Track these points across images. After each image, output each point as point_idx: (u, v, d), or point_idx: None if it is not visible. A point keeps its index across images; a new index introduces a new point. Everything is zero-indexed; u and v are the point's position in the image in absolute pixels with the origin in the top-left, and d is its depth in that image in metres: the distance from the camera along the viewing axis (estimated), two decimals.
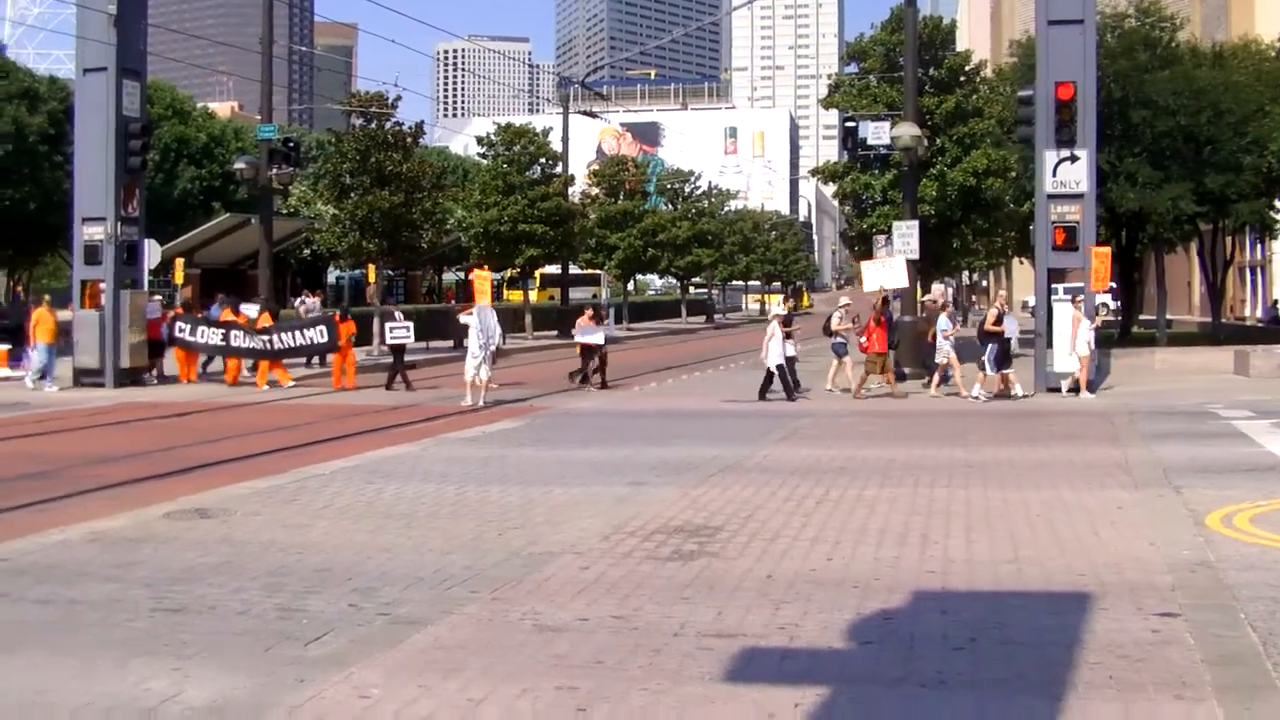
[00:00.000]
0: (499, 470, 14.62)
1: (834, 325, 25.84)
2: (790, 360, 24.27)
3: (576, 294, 72.87)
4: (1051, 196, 24.24)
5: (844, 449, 16.29)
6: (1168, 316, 35.30)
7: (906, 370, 27.70)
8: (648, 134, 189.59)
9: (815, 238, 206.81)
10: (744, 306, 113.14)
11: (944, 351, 24.31)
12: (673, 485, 13.22)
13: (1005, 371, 23.16)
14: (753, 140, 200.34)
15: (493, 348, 24.00)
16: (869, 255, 34.55)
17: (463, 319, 24.78)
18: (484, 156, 52.96)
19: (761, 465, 14.81)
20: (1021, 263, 61.30)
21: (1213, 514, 11.06)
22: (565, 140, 54.26)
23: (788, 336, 24.31)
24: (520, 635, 7.50)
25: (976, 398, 23.13)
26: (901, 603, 8.15)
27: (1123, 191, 30.47)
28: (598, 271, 70.78)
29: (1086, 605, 7.99)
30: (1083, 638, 7.29)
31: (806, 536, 10.35)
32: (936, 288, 28.87)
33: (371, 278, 39.80)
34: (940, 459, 15.19)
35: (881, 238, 31.18)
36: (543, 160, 51.75)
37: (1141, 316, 51.05)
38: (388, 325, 27.56)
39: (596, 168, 70.91)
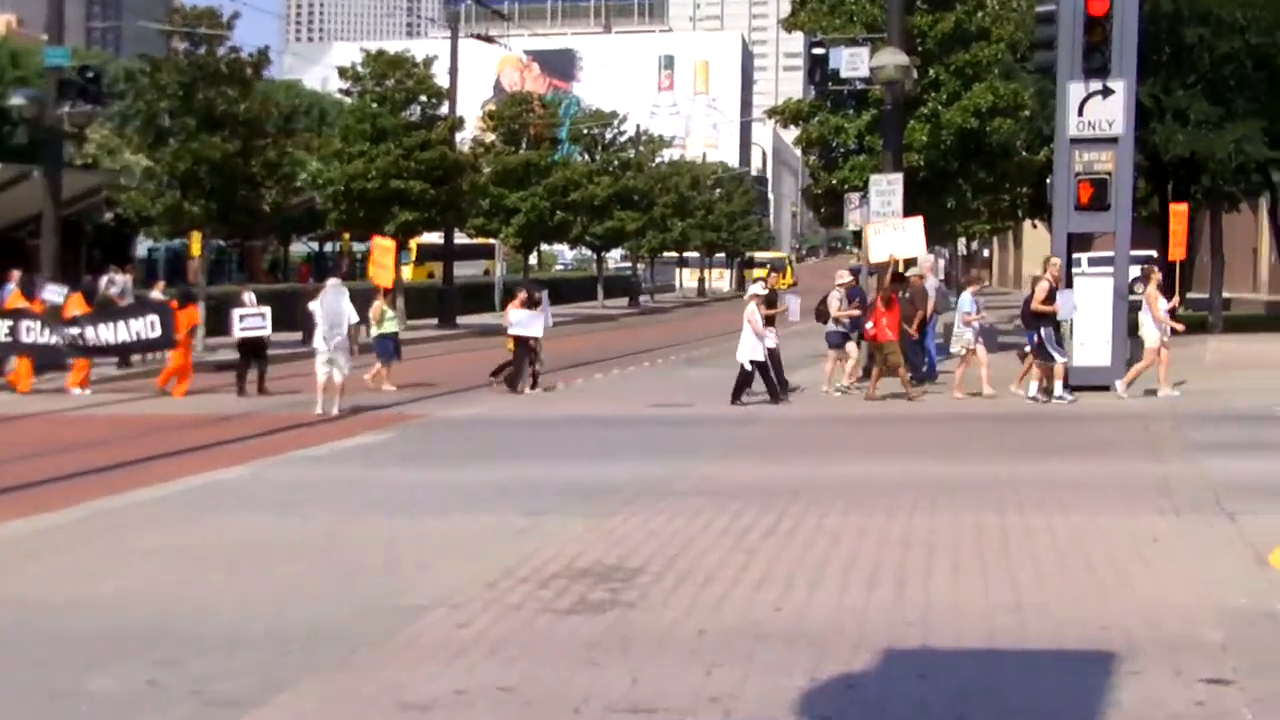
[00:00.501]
0: (356, 497, 14.48)
1: (834, 309, 25.68)
2: (773, 353, 24.30)
3: (464, 270, 72.52)
4: (1076, 141, 24.47)
5: (801, 465, 16.34)
6: (1225, 294, 35.72)
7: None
8: (560, 65, 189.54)
9: (771, 197, 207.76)
10: (679, 285, 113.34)
11: (965, 340, 24.31)
12: (580, 515, 13.15)
13: (1062, 361, 23.25)
14: (694, 73, 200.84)
15: (339, 337, 23.61)
16: (836, 217, 34.80)
17: (311, 306, 24.57)
18: (347, 93, 52.55)
19: (695, 487, 14.78)
20: (1035, 226, 62.18)
21: (1279, 549, 11.19)
22: (453, 72, 53.99)
23: (769, 322, 24.30)
24: (378, 716, 7.42)
25: (1036, 398, 23.15)
26: (869, 664, 8.13)
27: (1170, 133, 30.67)
28: (491, 241, 70.52)
29: (1110, 668, 8.01)
30: (1105, 711, 7.30)
31: (750, 579, 10.32)
32: (924, 259, 28.92)
33: (195, 250, 39.27)
34: (924, 476, 15.26)
35: (855, 196, 31.35)
36: (424, 98, 51.44)
37: (1190, 294, 51.60)
38: (236, 313, 27.01)
39: (493, 108, 70.80)
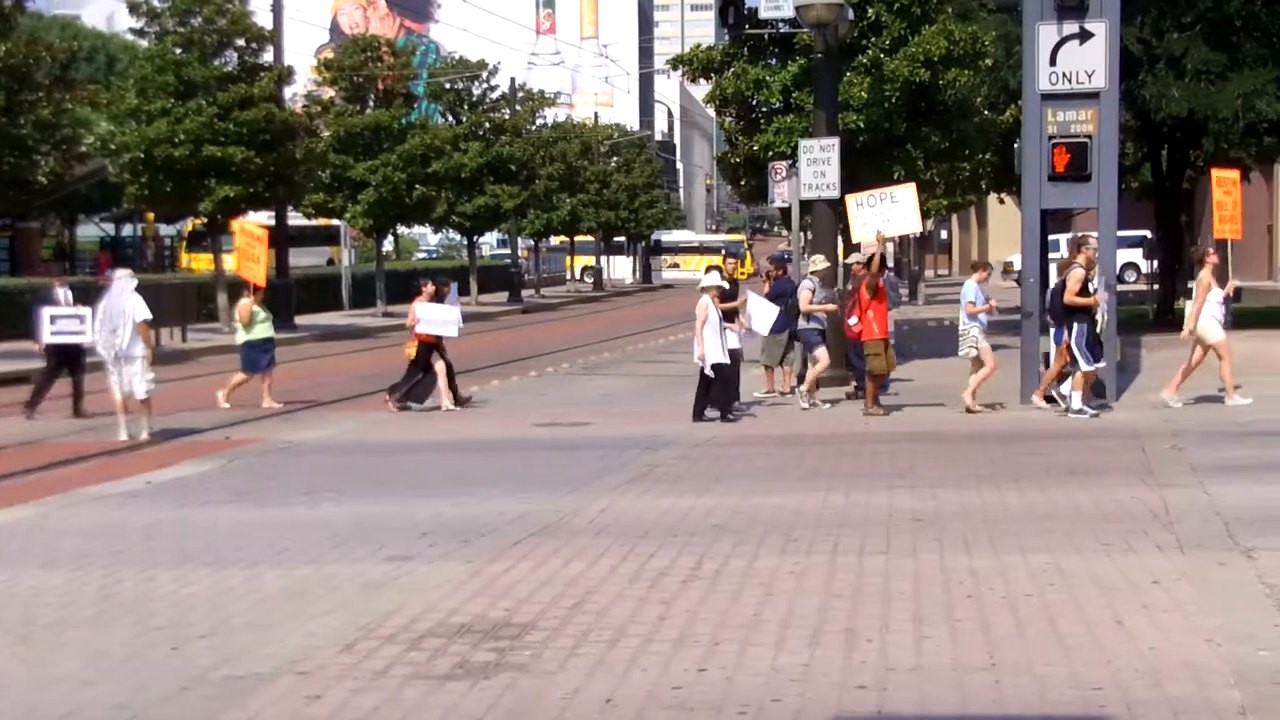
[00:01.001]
0: (174, 544, 14.38)
1: (805, 303, 25.78)
2: (734, 355, 24.47)
3: (303, 258, 72.13)
4: (1049, 97, 24.74)
5: (725, 496, 16.42)
6: (1234, 282, 36.01)
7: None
8: (413, 1, 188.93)
9: (680, 167, 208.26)
10: (571, 276, 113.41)
11: (971, 339, 24.29)
12: (456, 559, 13.16)
13: (1099, 365, 23.39)
14: (580, 12, 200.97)
15: (119, 344, 23.24)
16: (760, 191, 34.96)
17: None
18: (142, 34, 52.00)
19: (596, 525, 14.84)
20: (1002, 201, 62.85)
21: None
22: (278, 10, 53.74)
23: (728, 319, 24.37)
24: None
25: (1081, 410, 23.08)
26: None
27: (1163, 86, 30.97)
28: (335, 223, 70.21)
29: None
30: None
31: (666, 635, 10.39)
32: (868, 243, 29.17)
33: None
34: (874, 509, 15.40)
35: (781, 165, 31.56)
36: (241, 43, 51.14)
37: (1191, 283, 52.17)
38: (47, 314, 26.53)
39: (330, 55, 70.31)
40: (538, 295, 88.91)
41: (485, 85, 78.18)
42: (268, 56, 52.19)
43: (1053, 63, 24.53)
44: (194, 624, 11.11)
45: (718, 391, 23.93)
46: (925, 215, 73.74)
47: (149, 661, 10.12)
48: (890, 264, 45.02)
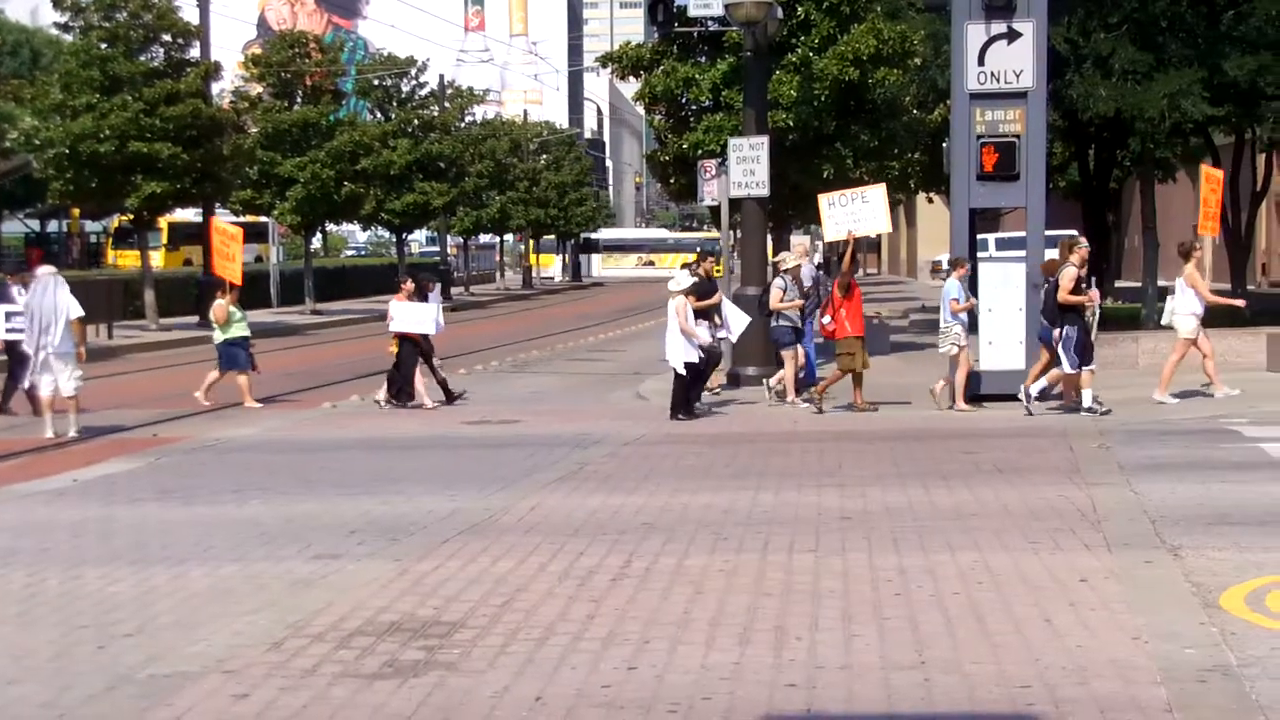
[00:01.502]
0: (100, 542, 14.33)
1: (774, 301, 25.65)
2: (710, 353, 24.55)
3: None
4: (977, 96, 24.82)
5: (654, 494, 16.47)
6: (1160, 282, 36.31)
7: (750, 370, 28.11)
8: None
9: (610, 165, 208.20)
10: (500, 275, 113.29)
11: (954, 336, 24.15)
12: (384, 558, 13.16)
13: (1088, 369, 23.48)
14: (509, 9, 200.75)
15: (53, 342, 23.12)
16: (689, 189, 35.03)
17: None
18: (66, 28, 51.59)
19: (525, 523, 14.85)
20: (930, 201, 63.20)
21: (1231, 590, 11.48)
22: (204, 4, 53.41)
23: (704, 316, 24.35)
24: None
25: (1092, 408, 23.05)
26: None
27: (1090, 86, 31.15)
28: (264, 219, 69.92)
29: None
30: None
31: (595, 634, 10.41)
32: (797, 241, 29.37)
33: None
34: (803, 508, 15.46)
35: (711, 164, 31.64)
36: (168, 38, 50.78)
37: (1120, 282, 52.59)
38: (1, 311, 26.09)
39: (257, 51, 70.00)
40: (467, 293, 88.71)
41: (414, 82, 77.90)
42: (194, 52, 51.87)
43: (981, 62, 24.62)
44: (120, 622, 11.06)
45: (679, 390, 24.00)
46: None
47: (75, 660, 10.07)
48: (819, 261, 45.15)
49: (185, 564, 13.09)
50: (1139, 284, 41.10)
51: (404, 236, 79.96)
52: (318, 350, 44.15)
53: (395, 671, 9.58)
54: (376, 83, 77.09)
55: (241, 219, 70.31)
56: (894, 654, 9.78)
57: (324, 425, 24.37)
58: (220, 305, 27.59)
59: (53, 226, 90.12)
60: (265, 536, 14.38)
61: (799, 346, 25.75)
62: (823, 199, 26.14)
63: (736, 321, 25.79)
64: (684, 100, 35.46)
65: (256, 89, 65.29)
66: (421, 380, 26.69)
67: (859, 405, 24.31)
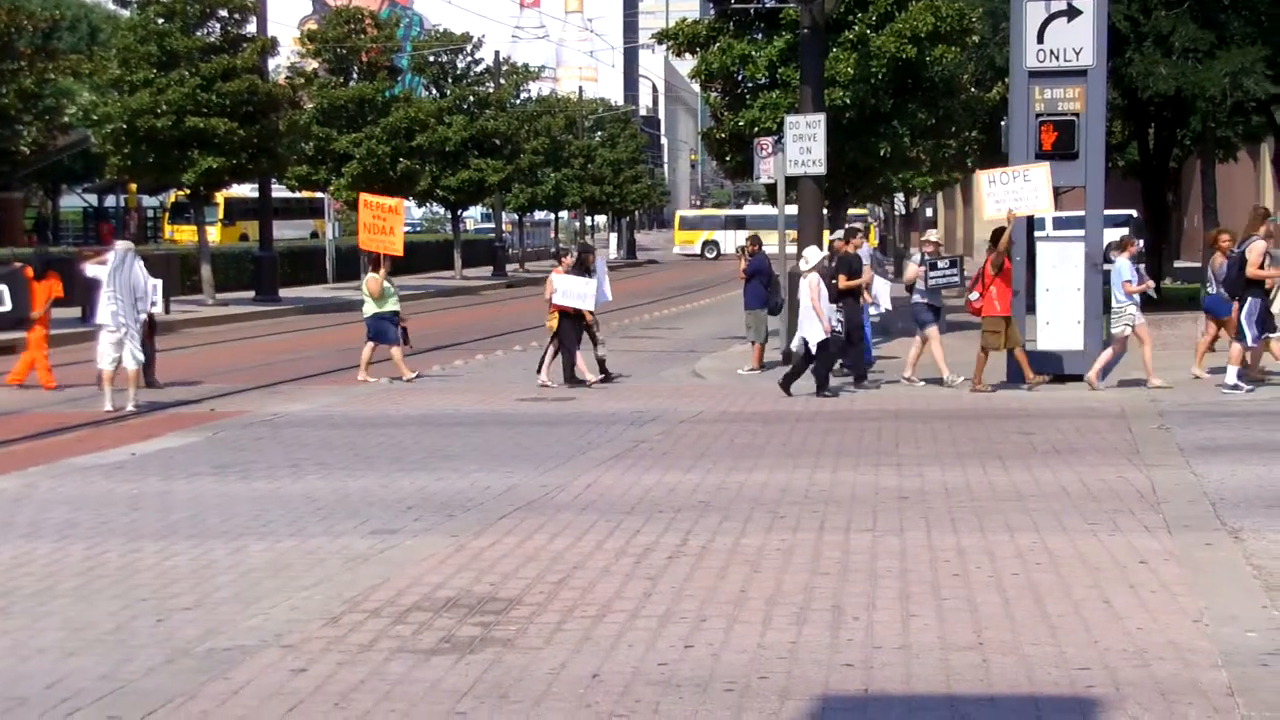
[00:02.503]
0: (158, 516, 14.38)
1: (909, 275, 25.32)
2: (847, 332, 24.39)
3: (286, 230, 72.00)
4: (1036, 74, 24.71)
5: (710, 473, 16.47)
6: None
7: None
8: None
9: (665, 142, 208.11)
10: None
11: (1127, 317, 23.83)
12: (441, 533, 13.19)
13: (1270, 336, 23.18)
14: None
15: (142, 315, 23.48)
16: (745, 167, 34.91)
17: (90, 270, 24.13)
18: (124, 3, 51.72)
19: (581, 500, 14.87)
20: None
21: None
22: None
23: (850, 295, 24.36)
24: None
25: (1237, 385, 22.90)
26: (801, 714, 8.23)
27: (1150, 64, 30.93)
28: (319, 196, 70.07)
29: (1092, 717, 8.18)
30: None
31: (652, 612, 10.41)
32: (857, 222, 29.35)
33: None
34: (859, 487, 15.45)
35: (767, 141, 31.51)
36: (224, 13, 50.87)
37: (1179, 263, 52.17)
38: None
39: (313, 27, 70.06)
40: (522, 269, 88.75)
41: (469, 59, 77.88)
42: (251, 28, 51.92)
43: (1040, 40, 24.50)
44: (179, 595, 11.11)
45: (822, 367, 23.91)
46: (910, 193, 73.92)
47: (134, 633, 10.12)
48: (876, 241, 45.05)
49: (243, 538, 13.15)
50: (1198, 264, 40.90)
51: (459, 213, 79.93)
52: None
53: (452, 647, 9.59)
54: (432, 59, 77.10)
55: (297, 194, 70.61)
56: (952, 635, 9.76)
57: (379, 400, 24.39)
58: (374, 279, 27.36)
59: (110, 201, 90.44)
60: (322, 511, 14.43)
61: (935, 327, 25.26)
62: (982, 176, 25.53)
63: (887, 295, 25.49)
64: (740, 77, 35.37)
65: (312, 65, 65.36)
66: (581, 357, 26.21)
67: (977, 385, 24.07)
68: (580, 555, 12.24)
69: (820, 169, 28.03)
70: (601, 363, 26.55)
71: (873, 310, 25.33)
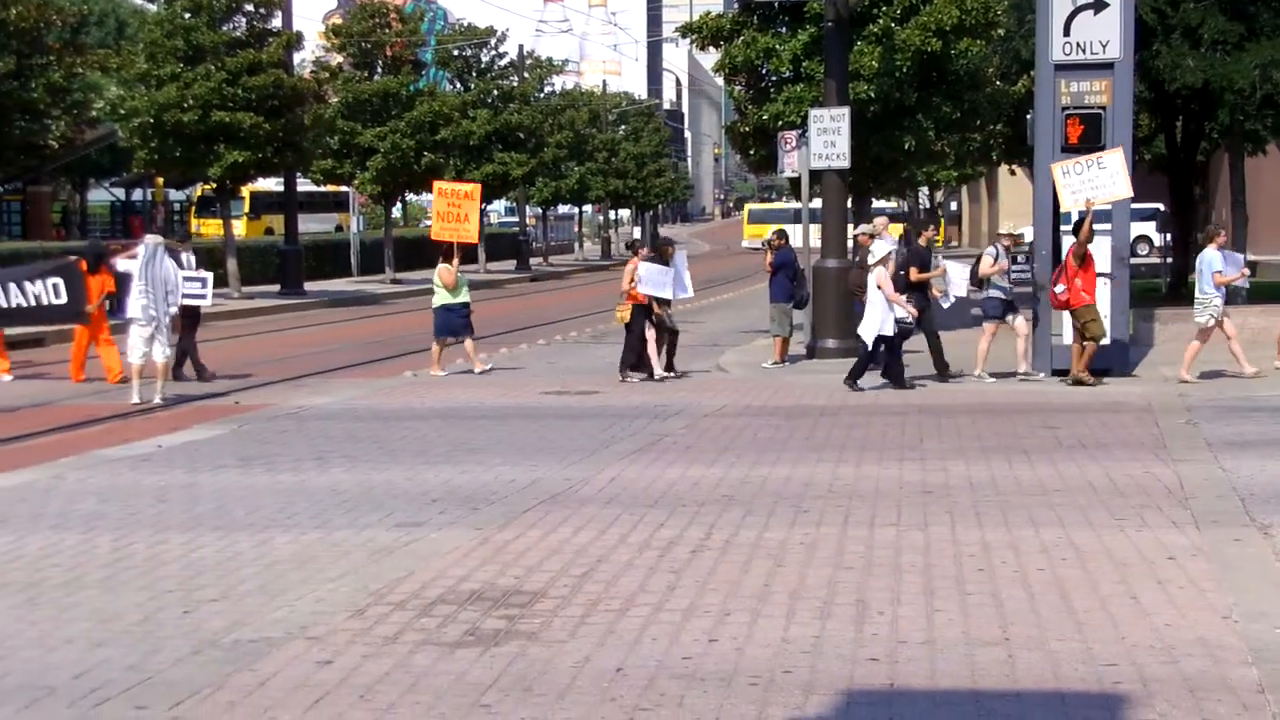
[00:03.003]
0: (185, 508, 14.41)
1: (985, 268, 24.98)
2: (904, 328, 24.11)
3: (311, 224, 72.13)
4: (1062, 67, 24.62)
5: (734, 466, 16.45)
6: (1250, 256, 35.99)
7: (830, 343, 28.04)
8: None
9: (688, 135, 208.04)
10: (579, 246, 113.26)
11: (1213, 309, 23.81)
12: (466, 526, 13.19)
13: None
14: None
15: (172, 309, 23.53)
16: (769, 161, 34.90)
17: (120, 265, 24.17)
18: None
19: (605, 494, 14.85)
20: (1013, 173, 62.73)
21: None
22: None
23: (919, 288, 24.21)
24: None
25: None
26: (825, 709, 8.22)
27: (1178, 56, 30.82)
28: (344, 189, 70.21)
29: (1119, 714, 8.15)
30: None
31: (676, 605, 10.40)
32: (879, 217, 29.18)
33: None
34: (883, 481, 15.42)
35: (791, 135, 31.50)
36: (250, 8, 50.99)
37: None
38: (180, 275, 26.11)
39: (338, 21, 70.16)
40: (546, 263, 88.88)
41: (493, 52, 78.00)
42: (276, 22, 52.05)
43: (1066, 33, 24.43)
44: (205, 587, 11.13)
45: (891, 362, 23.96)
46: (935, 186, 73.93)
47: (161, 624, 10.13)
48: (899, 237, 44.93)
49: (268, 530, 13.16)
50: None
51: (483, 207, 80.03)
52: (397, 320, 44.27)
53: (476, 640, 9.59)
54: (456, 53, 77.20)
55: (322, 188, 70.69)
56: (977, 630, 9.73)
57: (404, 394, 24.41)
58: (447, 269, 27.20)
59: (137, 195, 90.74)
60: (347, 504, 14.43)
61: (1020, 318, 24.97)
62: (1055, 168, 25.13)
63: (959, 282, 25.32)
64: (764, 71, 35.35)
65: (337, 59, 65.48)
66: (651, 346, 25.79)
67: (1079, 374, 23.88)
68: (604, 549, 12.23)
69: (844, 163, 28.00)
70: (669, 354, 26.13)
71: (944, 302, 25.06)
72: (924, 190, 75.08)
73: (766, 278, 28.33)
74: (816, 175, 29.35)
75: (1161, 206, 48.95)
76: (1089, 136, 24.28)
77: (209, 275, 26.83)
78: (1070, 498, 14.33)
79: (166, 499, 14.88)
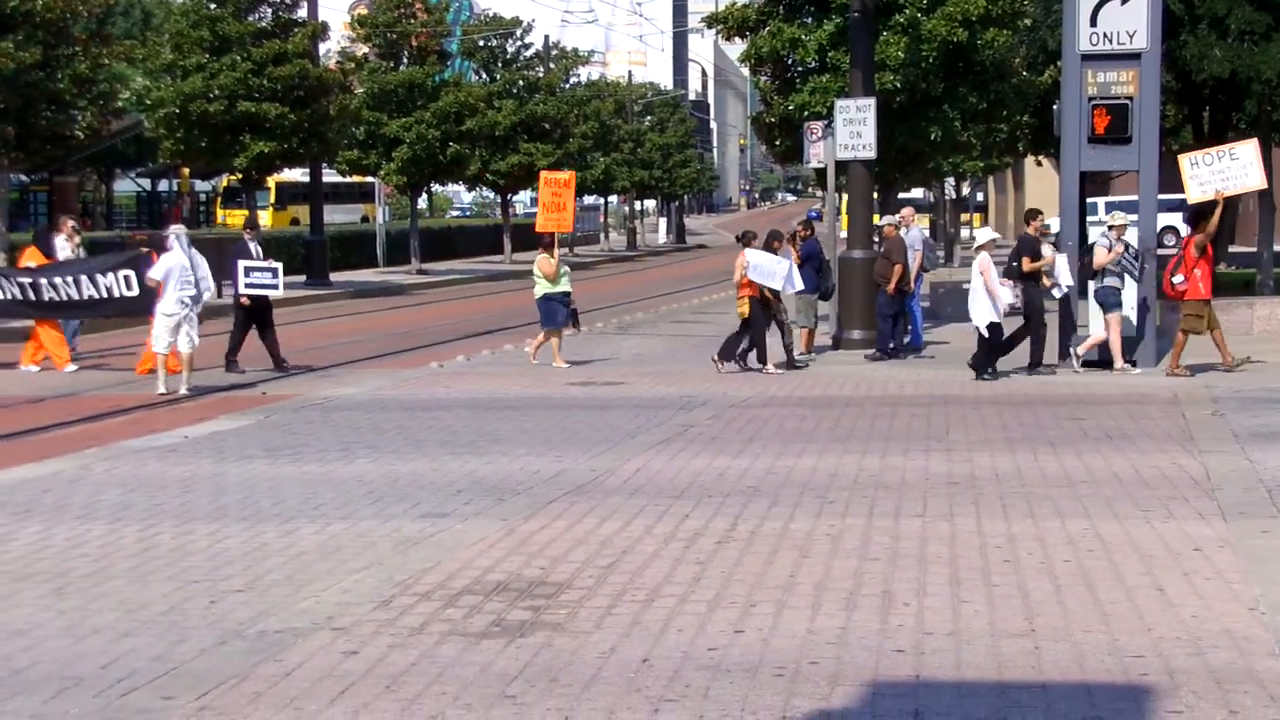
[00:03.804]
0: (211, 498, 14.46)
1: (1100, 259, 24.29)
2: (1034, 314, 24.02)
3: (337, 215, 72.17)
4: (1089, 57, 24.57)
5: (759, 457, 16.47)
6: (1277, 248, 35.88)
7: (855, 334, 28.01)
8: None
9: (714, 126, 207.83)
10: (605, 237, 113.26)
11: None
12: (491, 517, 13.22)
13: None
14: None
15: (206, 296, 23.56)
16: (794, 152, 34.83)
17: (158, 272, 23.93)
18: None
19: (631, 484, 14.88)
20: (1040, 164, 62.60)
21: None
22: None
23: (1032, 279, 24.00)
24: None
25: None
26: (852, 701, 8.23)
27: (1205, 47, 30.75)
28: (369, 180, 70.22)
29: (1146, 706, 8.16)
30: None
31: (701, 596, 10.41)
32: (906, 208, 29.18)
33: None
34: (909, 472, 15.44)
35: (817, 125, 31.44)
36: None
37: (1232, 248, 51.86)
38: (241, 265, 26.24)
39: (363, 11, 70.12)
40: (571, 254, 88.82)
41: (519, 43, 77.99)
42: (302, 12, 52.07)
43: (1093, 23, 24.37)
44: (231, 578, 11.16)
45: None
46: (961, 177, 73.64)
47: (187, 614, 10.17)
48: (924, 227, 44.87)
49: (294, 521, 13.20)
50: (1254, 249, 40.61)
51: (509, 197, 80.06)
52: (423, 310, 44.34)
53: (502, 631, 9.61)
54: (482, 43, 77.20)
55: (348, 179, 70.74)
56: (1003, 621, 9.73)
57: (430, 384, 24.44)
58: (546, 259, 26.76)
59: (163, 186, 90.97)
60: (373, 495, 14.47)
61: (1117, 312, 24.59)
62: (1184, 160, 24.77)
63: (1067, 272, 25.19)
64: (790, 61, 35.24)
65: (363, 49, 65.44)
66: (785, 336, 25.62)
67: (1174, 369, 23.75)
68: (629, 539, 12.25)
69: (870, 153, 27.97)
70: (789, 349, 25.79)
71: (1055, 292, 24.83)
72: (950, 181, 74.68)
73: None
74: (842, 166, 29.32)
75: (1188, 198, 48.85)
76: (1115, 127, 24.25)
77: (279, 264, 26.70)
78: (1096, 489, 14.32)
79: (192, 489, 14.92)
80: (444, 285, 57.91)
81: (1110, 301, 24.27)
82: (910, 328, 27.63)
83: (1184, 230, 58.32)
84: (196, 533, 12.78)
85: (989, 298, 23.29)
